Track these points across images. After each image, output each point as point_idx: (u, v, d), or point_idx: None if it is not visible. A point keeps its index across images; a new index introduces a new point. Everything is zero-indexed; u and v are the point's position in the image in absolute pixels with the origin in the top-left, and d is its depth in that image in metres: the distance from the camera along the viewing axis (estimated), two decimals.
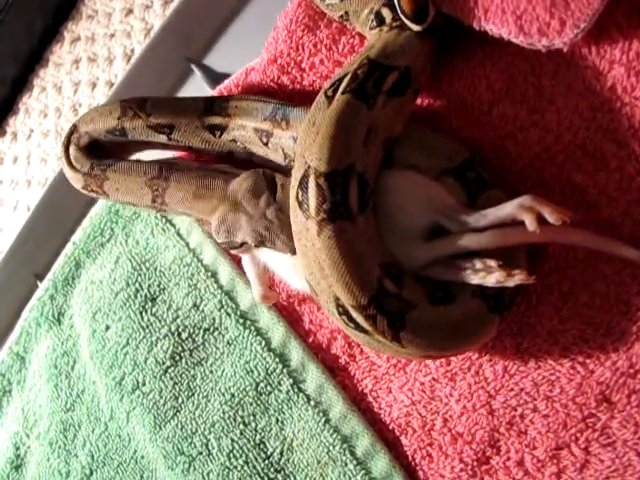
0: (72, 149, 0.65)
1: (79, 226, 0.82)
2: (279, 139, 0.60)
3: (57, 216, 0.82)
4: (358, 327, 0.50)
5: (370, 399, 0.60)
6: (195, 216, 0.63)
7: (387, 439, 0.58)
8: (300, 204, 0.50)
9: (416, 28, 0.53)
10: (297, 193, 0.50)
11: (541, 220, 0.47)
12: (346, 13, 0.59)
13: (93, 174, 0.64)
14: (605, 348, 0.51)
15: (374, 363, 0.60)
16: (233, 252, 0.60)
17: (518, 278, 0.48)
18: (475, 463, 0.55)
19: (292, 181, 0.52)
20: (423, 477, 0.57)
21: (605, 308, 0.51)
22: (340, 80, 0.52)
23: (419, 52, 0.54)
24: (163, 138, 0.65)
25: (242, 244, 0.57)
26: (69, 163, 0.65)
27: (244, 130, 0.62)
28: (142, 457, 0.70)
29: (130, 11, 0.85)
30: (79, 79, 0.88)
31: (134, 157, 0.67)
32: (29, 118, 0.92)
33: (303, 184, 0.50)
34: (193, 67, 0.76)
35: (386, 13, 0.56)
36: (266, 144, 0.61)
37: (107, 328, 0.72)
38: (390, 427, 0.59)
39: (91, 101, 0.86)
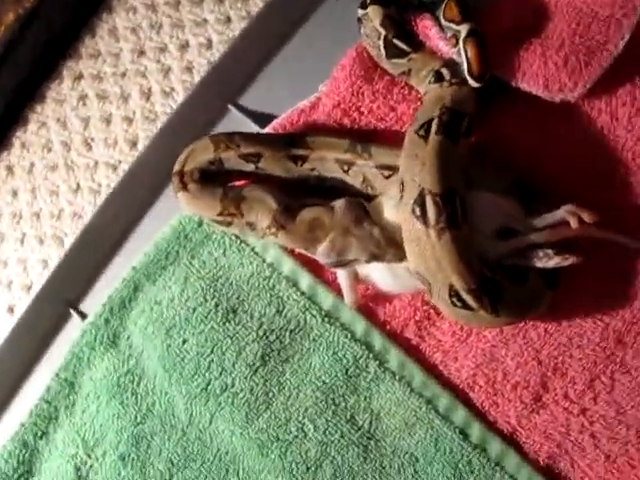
0: (192, 187, 0.76)
1: (111, 259, 0.88)
2: (361, 167, 0.75)
3: (90, 249, 0.87)
4: (465, 306, 0.68)
5: (441, 368, 0.77)
6: (299, 246, 0.75)
7: (461, 396, 0.76)
8: (418, 217, 0.67)
9: (477, 85, 0.72)
10: (413, 209, 0.67)
11: (580, 220, 0.69)
12: (409, 70, 0.76)
13: (230, 197, 0.75)
14: (615, 307, 0.74)
15: (440, 340, 0.77)
16: (335, 269, 0.76)
17: (571, 259, 0.69)
18: (532, 402, 0.74)
19: (404, 199, 0.68)
20: (493, 420, 0.75)
21: (612, 279, 0.74)
22: (428, 123, 0.69)
23: (475, 102, 0.73)
24: (251, 167, 0.77)
25: (351, 261, 0.72)
26: (198, 198, 0.76)
27: (325, 160, 0.76)
28: (226, 453, 0.79)
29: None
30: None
31: None
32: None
33: (418, 202, 0.67)
34: (231, 108, 0.87)
35: (445, 72, 0.73)
36: (346, 171, 0.76)
37: (184, 342, 0.80)
38: (461, 387, 0.76)
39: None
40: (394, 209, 0.72)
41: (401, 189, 0.69)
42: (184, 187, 0.76)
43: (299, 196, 0.77)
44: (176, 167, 0.77)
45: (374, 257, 0.71)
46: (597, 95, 0.75)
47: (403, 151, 0.70)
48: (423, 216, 0.67)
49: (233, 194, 0.76)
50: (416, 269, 0.69)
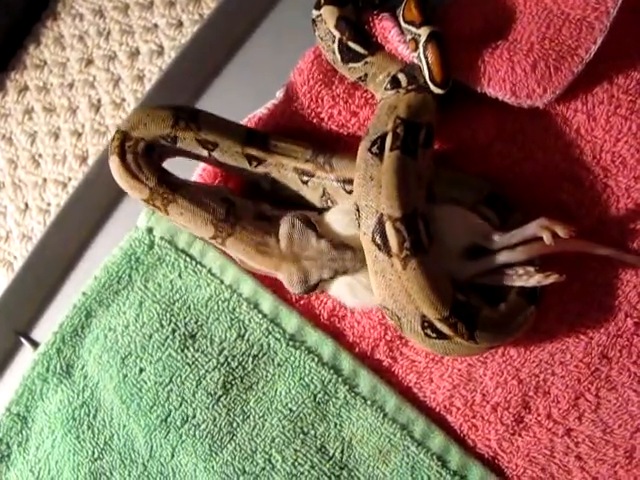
0: (130, 158, 0.68)
1: (64, 282, 0.83)
2: (321, 180, 0.70)
3: (41, 272, 0.82)
4: (440, 336, 0.63)
5: (415, 390, 0.72)
6: (254, 266, 0.70)
7: (437, 420, 0.71)
8: (379, 246, 0.62)
9: (439, 91, 0.66)
10: (373, 238, 0.62)
11: (555, 235, 0.64)
12: (365, 75, 0.71)
13: (161, 192, 0.68)
14: (599, 320, 0.69)
15: (414, 361, 0.72)
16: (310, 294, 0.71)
17: (553, 277, 0.64)
18: (513, 423, 0.70)
19: (362, 228, 0.63)
20: (473, 444, 0.70)
21: (594, 291, 0.69)
22: (381, 139, 0.64)
23: (434, 110, 0.67)
24: (204, 153, 0.71)
25: (317, 283, 0.67)
26: (131, 173, 0.68)
27: (282, 168, 0.71)
28: None
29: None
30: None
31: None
32: None
33: (377, 229, 0.62)
34: None
35: (402, 78, 0.68)
36: (305, 183, 0.70)
37: (141, 371, 0.75)
38: (437, 410, 0.71)
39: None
40: (351, 225, 0.67)
41: (357, 215, 0.64)
42: (122, 154, 0.68)
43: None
44: (123, 126, 0.69)
45: (335, 271, 0.66)
46: (572, 94, 0.70)
47: (356, 173, 0.64)
48: (385, 244, 0.62)
49: (166, 189, 0.69)
50: (383, 304, 0.64)
